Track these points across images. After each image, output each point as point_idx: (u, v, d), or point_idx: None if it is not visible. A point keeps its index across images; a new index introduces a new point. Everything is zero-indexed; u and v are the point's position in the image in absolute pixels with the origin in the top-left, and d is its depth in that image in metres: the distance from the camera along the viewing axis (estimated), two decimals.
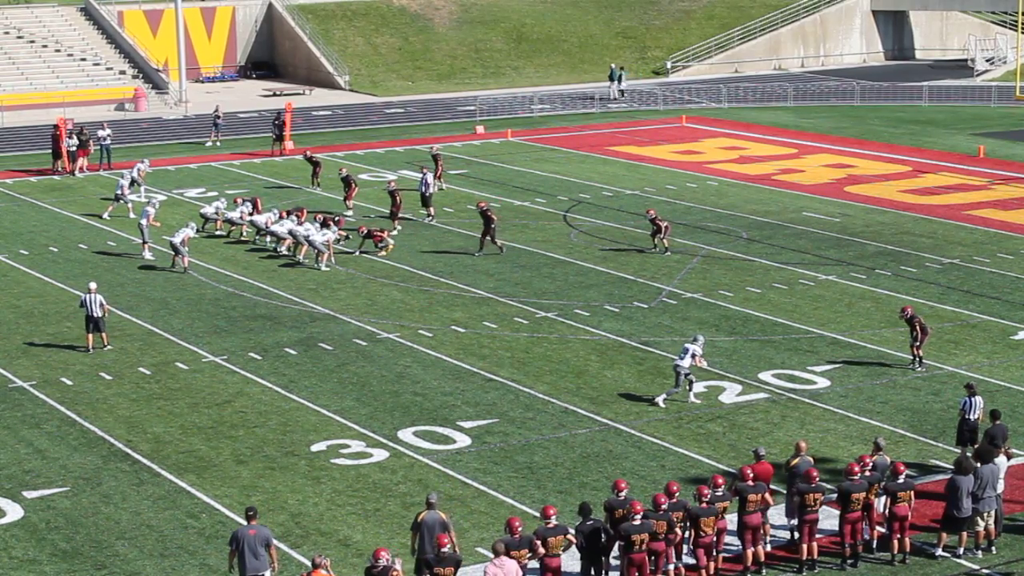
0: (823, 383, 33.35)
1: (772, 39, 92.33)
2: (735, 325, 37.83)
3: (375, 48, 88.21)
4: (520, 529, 22.35)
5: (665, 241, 45.15)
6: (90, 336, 36.05)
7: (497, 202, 52.11)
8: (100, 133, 60.54)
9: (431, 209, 50.14)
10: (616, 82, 79.55)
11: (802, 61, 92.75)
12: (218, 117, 67.13)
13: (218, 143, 66.60)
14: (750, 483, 24.09)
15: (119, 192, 51.17)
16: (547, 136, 68.26)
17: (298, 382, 33.71)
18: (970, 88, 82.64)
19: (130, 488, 27.72)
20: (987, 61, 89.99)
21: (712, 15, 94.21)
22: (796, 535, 24.70)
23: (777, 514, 25.50)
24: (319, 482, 27.95)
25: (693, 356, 31.77)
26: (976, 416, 28.13)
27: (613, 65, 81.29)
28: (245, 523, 22.84)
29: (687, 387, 32.08)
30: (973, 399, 28.25)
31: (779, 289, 41.26)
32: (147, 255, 45.01)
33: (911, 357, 34.25)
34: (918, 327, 33.76)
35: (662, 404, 31.80)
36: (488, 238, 44.88)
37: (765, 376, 33.78)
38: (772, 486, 25.96)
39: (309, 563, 22.27)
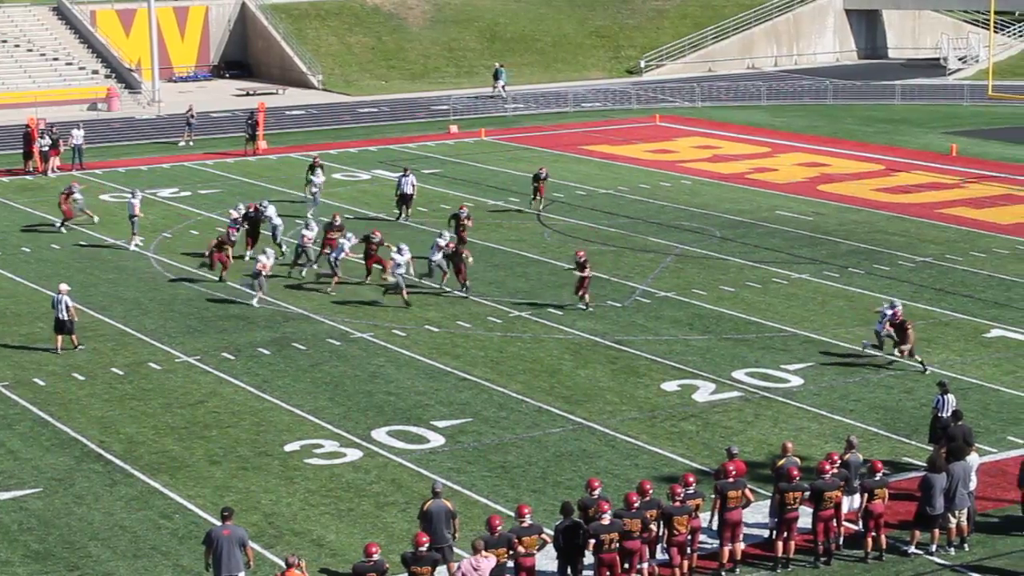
0: (796, 381, 33.41)
1: (745, 38, 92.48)
2: (708, 324, 37.87)
3: (348, 47, 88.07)
4: (500, 528, 22.36)
5: (587, 295, 39.03)
6: (59, 338, 35.92)
7: (471, 201, 52.05)
8: (75, 132, 60.33)
9: (408, 210, 50.01)
10: (498, 80, 79.95)
11: (775, 60, 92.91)
12: (191, 117, 66.92)
13: (191, 143, 66.39)
14: (730, 479, 24.11)
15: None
16: (521, 135, 68.24)
17: (271, 382, 33.64)
18: (943, 87, 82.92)
19: (103, 489, 27.63)
20: (959, 60, 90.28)
21: (685, 14, 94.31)
22: (773, 534, 24.73)
23: (758, 512, 25.50)
24: (292, 482, 27.89)
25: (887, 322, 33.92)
26: (949, 414, 28.20)
27: (497, 64, 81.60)
28: (220, 523, 22.80)
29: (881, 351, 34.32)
30: (945, 397, 28.32)
31: (752, 288, 41.32)
32: (133, 246, 45.98)
33: (907, 362, 34.18)
34: (908, 330, 33.75)
35: (866, 349, 34.74)
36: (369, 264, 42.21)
37: (738, 375, 33.83)
38: (753, 486, 26.01)
39: (283, 563, 22.22)
